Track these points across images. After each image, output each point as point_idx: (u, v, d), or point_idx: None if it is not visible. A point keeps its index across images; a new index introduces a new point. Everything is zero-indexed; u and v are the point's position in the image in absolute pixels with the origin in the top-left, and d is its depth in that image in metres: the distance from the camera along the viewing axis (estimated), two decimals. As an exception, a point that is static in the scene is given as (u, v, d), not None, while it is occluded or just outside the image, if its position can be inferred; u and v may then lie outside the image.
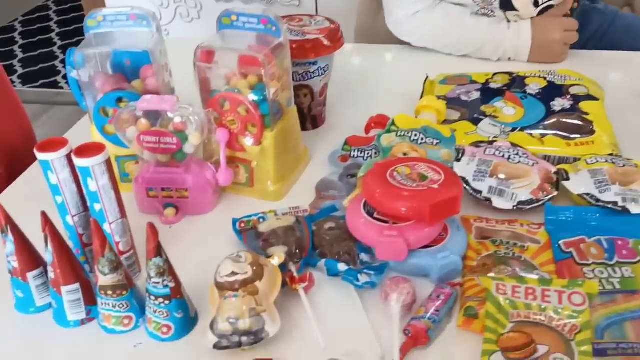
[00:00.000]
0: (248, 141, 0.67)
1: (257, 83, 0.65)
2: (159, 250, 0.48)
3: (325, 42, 0.75)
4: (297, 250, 0.59)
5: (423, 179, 0.58)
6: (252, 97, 0.65)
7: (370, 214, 0.58)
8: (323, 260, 0.58)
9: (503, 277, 0.52)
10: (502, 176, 0.65)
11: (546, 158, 0.70)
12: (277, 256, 0.55)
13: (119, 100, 0.67)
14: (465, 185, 0.65)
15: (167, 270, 0.49)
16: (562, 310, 0.48)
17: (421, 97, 0.84)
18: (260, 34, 0.66)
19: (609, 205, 0.61)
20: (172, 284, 0.50)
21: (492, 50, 0.99)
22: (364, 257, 0.59)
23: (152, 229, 0.47)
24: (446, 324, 0.52)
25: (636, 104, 0.85)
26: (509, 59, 0.99)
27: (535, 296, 0.49)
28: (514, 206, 0.63)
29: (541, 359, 0.45)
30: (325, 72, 0.79)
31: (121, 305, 0.51)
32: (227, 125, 0.66)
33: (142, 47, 0.65)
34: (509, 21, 0.98)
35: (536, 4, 0.99)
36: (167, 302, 0.50)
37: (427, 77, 0.89)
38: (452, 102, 0.81)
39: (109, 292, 0.51)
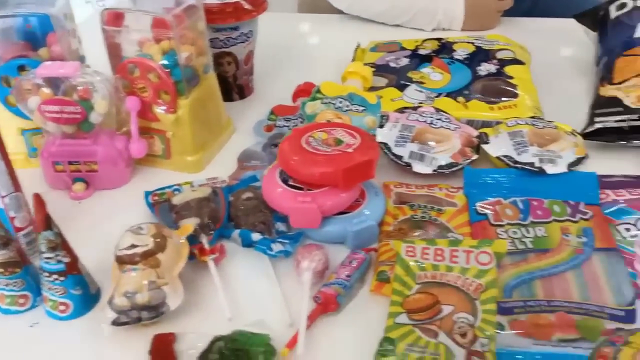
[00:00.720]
0: (161, 110, 0.64)
1: (171, 49, 0.62)
2: (48, 223, 0.45)
3: (246, 6, 0.72)
4: (210, 222, 0.56)
5: (339, 144, 0.56)
6: (164, 62, 0.62)
7: (286, 182, 0.57)
8: (237, 231, 0.56)
9: (414, 240, 0.51)
10: (423, 141, 0.64)
11: (470, 122, 0.70)
12: (185, 228, 0.53)
13: (21, 68, 0.63)
14: (386, 151, 0.64)
15: (60, 245, 0.46)
16: (468, 270, 0.48)
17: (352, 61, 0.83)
18: (173, -3, 0.63)
19: (526, 167, 0.61)
20: (66, 259, 0.47)
21: (426, 19, 0.98)
22: (280, 226, 0.57)
23: (38, 200, 0.44)
24: (359, 289, 0.51)
25: (564, 69, 0.85)
26: (444, 29, 0.98)
27: (443, 257, 0.49)
28: (433, 170, 0.62)
29: (445, 319, 0.44)
30: (248, 38, 0.76)
31: (15, 284, 0.48)
32: (138, 92, 0.63)
33: (43, 11, 0.61)
34: None
35: None
36: (62, 278, 0.47)
37: (359, 44, 0.88)
38: (381, 69, 0.79)
39: (0, 270, 0.48)
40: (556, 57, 0.88)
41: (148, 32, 0.64)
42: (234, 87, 0.80)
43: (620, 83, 0.66)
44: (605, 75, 0.69)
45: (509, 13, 1.03)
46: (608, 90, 0.67)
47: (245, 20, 0.73)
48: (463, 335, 0.43)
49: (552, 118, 0.69)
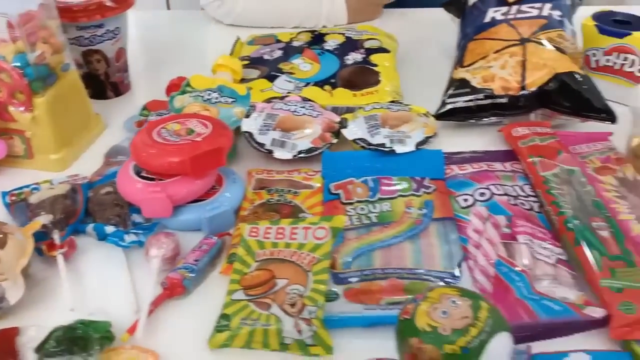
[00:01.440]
0: (17, 110, 0.63)
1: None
2: None
3: (109, 3, 0.72)
4: (63, 217, 0.57)
5: (190, 134, 0.58)
6: (16, 62, 0.62)
7: (139, 174, 0.58)
8: (92, 225, 0.57)
9: (258, 221, 0.53)
10: (285, 128, 0.66)
11: (335, 109, 0.72)
12: (32, 225, 0.53)
13: None
14: (249, 140, 0.66)
15: None
16: (305, 245, 0.50)
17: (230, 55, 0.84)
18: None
19: (379, 147, 0.64)
20: None
21: (312, 22, 1.00)
22: (136, 218, 0.58)
23: None
24: (209, 273, 0.53)
25: (432, 55, 0.89)
26: (334, 25, 1.01)
27: (284, 235, 0.51)
28: (294, 155, 0.65)
29: (279, 292, 0.47)
30: (116, 35, 0.76)
31: None
32: (-9, 93, 0.62)
33: None
34: None
35: None
36: None
37: (238, 38, 0.89)
38: (255, 62, 0.81)
39: None
40: (427, 44, 0.92)
41: (4, 33, 0.63)
42: (108, 85, 0.80)
43: (469, 65, 0.71)
44: (459, 58, 0.74)
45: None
46: (459, 73, 0.71)
47: (110, 17, 0.73)
48: (293, 305, 0.46)
49: (415, 102, 0.73)
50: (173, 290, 0.50)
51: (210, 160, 0.56)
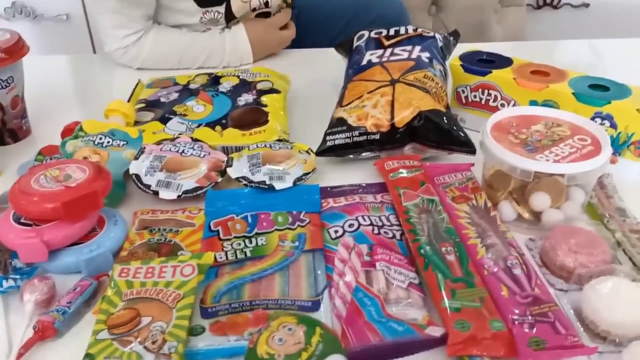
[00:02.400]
0: None
1: None
2: None
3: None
4: (-59, 266, 0.58)
5: (67, 179, 0.60)
6: None
7: (19, 220, 0.59)
8: (-29, 272, 0.58)
9: (129, 262, 0.56)
10: (171, 169, 0.70)
11: (225, 149, 0.76)
12: None
13: None
14: (136, 182, 0.69)
15: None
16: (172, 283, 0.53)
17: (129, 99, 0.87)
18: None
19: (259, 185, 0.68)
20: None
21: (217, 61, 1.05)
22: (17, 263, 0.60)
23: None
24: (84, 314, 0.55)
25: (324, 94, 0.94)
26: (240, 64, 1.06)
27: (153, 274, 0.54)
28: (178, 195, 0.68)
29: (143, 329, 0.49)
30: (9, 84, 0.78)
31: None
32: None
33: None
34: (223, 31, 1.05)
35: (253, 10, 1.07)
36: None
37: (139, 81, 0.93)
38: (151, 104, 0.85)
39: None
40: (320, 83, 0.98)
41: None
42: (5, 132, 0.81)
43: (347, 105, 0.77)
44: (340, 98, 0.79)
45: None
46: (338, 112, 0.77)
47: (1, 68, 0.75)
48: (154, 342, 0.48)
49: (303, 139, 0.78)
50: (44, 333, 0.52)
51: (85, 204, 0.59)
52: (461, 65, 0.80)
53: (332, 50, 0.97)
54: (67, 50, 1.71)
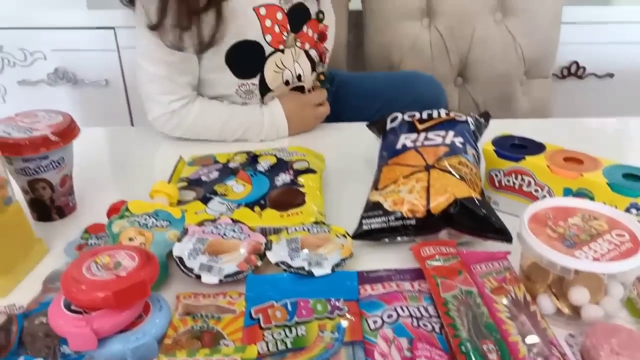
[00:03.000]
0: (-43, 244, 0.67)
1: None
2: None
3: (53, 138, 0.79)
4: (-7, 351, 0.60)
5: (117, 267, 0.63)
6: (-42, 201, 0.67)
7: (69, 307, 0.61)
8: (22, 358, 0.60)
9: (176, 352, 0.57)
10: (213, 252, 0.72)
11: (263, 230, 0.79)
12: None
13: None
14: (179, 264, 0.71)
15: None
16: (217, 378, 0.54)
17: (170, 177, 0.90)
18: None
19: (298, 271, 0.70)
20: None
21: (255, 134, 1.09)
22: (66, 349, 0.61)
23: None
24: (129, 405, 0.56)
25: (359, 172, 0.97)
26: (277, 137, 1.10)
27: (198, 367, 0.55)
28: (220, 280, 0.70)
29: None
30: (60, 164, 0.82)
31: None
32: None
33: None
34: (261, 107, 1.10)
35: (286, 83, 1.12)
36: None
37: (180, 158, 0.96)
38: (193, 183, 0.88)
39: None
40: (355, 159, 1.00)
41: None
42: (53, 209, 0.85)
43: (382, 189, 0.79)
44: (375, 181, 0.82)
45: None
46: (374, 196, 0.79)
47: (54, 150, 0.79)
48: None
49: (336, 219, 0.80)
50: None
51: (135, 293, 0.61)
52: (494, 150, 0.82)
53: (365, 125, 1.00)
54: (104, 113, 1.79)
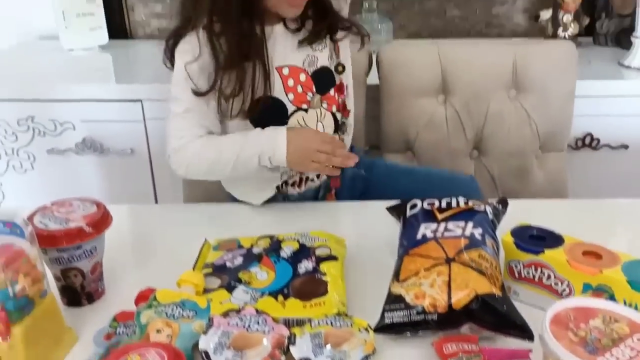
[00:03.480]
0: (-6, 338, 0.70)
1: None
2: None
3: (87, 229, 0.82)
4: None
5: (149, 367, 0.64)
6: (-3, 296, 0.69)
7: (100, 406, 0.63)
8: None
9: None
10: (237, 347, 0.73)
11: (286, 321, 0.80)
12: None
13: None
14: (205, 359, 0.73)
15: None
16: None
17: (195, 262, 0.93)
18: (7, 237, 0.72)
19: (322, 367, 0.71)
20: None
21: (250, 154, 1.07)
22: None
23: None
24: None
25: (382, 256, 0.99)
26: (270, 162, 1.07)
27: None
28: (245, 376, 0.71)
29: None
30: (92, 253, 0.85)
31: None
32: (-30, 326, 0.69)
33: None
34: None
35: None
36: None
37: (205, 241, 0.99)
38: (218, 270, 0.90)
39: None
40: (374, 242, 1.02)
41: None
42: (82, 295, 0.87)
43: (404, 281, 0.80)
44: (396, 272, 0.83)
45: (344, 196, 1.20)
46: (396, 287, 0.80)
47: (88, 240, 0.83)
48: None
49: (357, 308, 0.81)
50: None
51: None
52: (514, 242, 0.84)
53: (385, 204, 1.01)
54: (129, 180, 1.84)
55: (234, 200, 1.24)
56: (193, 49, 1.08)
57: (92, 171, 1.83)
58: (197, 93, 1.08)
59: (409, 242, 0.87)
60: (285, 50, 1.12)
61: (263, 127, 1.10)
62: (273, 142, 1.06)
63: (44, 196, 1.95)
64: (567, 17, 1.92)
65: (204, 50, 1.07)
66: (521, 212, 0.95)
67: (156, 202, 1.90)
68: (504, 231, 0.88)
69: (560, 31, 1.93)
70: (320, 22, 1.14)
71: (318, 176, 1.21)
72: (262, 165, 1.08)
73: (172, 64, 1.13)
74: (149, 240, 1.10)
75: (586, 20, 1.97)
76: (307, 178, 1.20)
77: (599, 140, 1.69)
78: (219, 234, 1.02)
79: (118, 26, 2.21)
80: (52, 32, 2.12)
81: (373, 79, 1.59)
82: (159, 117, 1.74)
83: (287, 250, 0.93)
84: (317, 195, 1.24)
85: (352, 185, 1.26)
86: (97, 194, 1.87)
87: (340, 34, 1.17)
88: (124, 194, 1.86)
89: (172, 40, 1.13)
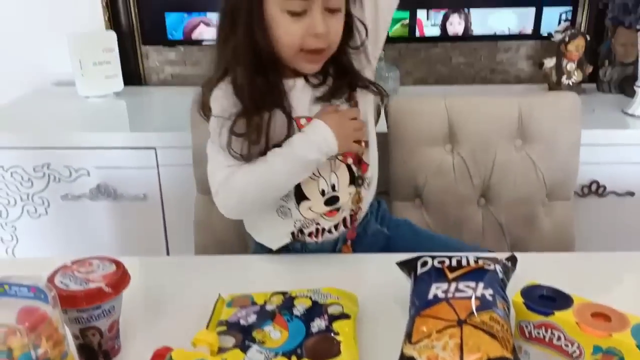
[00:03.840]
0: (16, 402, 0.71)
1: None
2: None
3: (107, 290, 0.84)
4: None
5: None
6: (20, 360, 0.71)
7: None
8: None
9: None
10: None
11: (301, 382, 0.81)
12: None
13: None
14: None
15: None
16: None
17: (210, 319, 0.95)
18: (31, 301, 0.74)
19: None
20: None
21: (304, 160, 1.11)
22: None
23: None
24: None
25: (390, 309, 1.00)
26: (326, 153, 1.12)
27: None
28: None
29: None
30: (110, 312, 0.87)
31: None
32: (-6, 390, 0.71)
33: None
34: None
35: (322, 193, 1.17)
36: None
37: (219, 297, 1.01)
38: (232, 328, 0.92)
39: None
40: (384, 297, 1.04)
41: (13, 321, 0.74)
42: (99, 353, 0.89)
43: (416, 343, 0.81)
44: (409, 333, 0.84)
45: (363, 251, 1.22)
46: (408, 349, 0.81)
47: (106, 301, 0.85)
48: None
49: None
50: None
51: None
52: (524, 303, 0.85)
53: (395, 257, 1.03)
54: (141, 224, 1.87)
55: (246, 246, 1.26)
56: (226, 97, 1.13)
57: (105, 216, 1.87)
58: (234, 133, 1.11)
59: (420, 303, 0.88)
60: (305, 103, 1.17)
61: None
62: (320, 136, 1.11)
63: (57, 240, 1.99)
64: (570, 65, 1.97)
65: (233, 97, 1.12)
66: (530, 266, 0.97)
67: (167, 245, 1.93)
68: (513, 288, 0.89)
69: (564, 79, 1.98)
70: (340, 79, 1.19)
71: (336, 227, 1.23)
72: (315, 159, 1.11)
73: (205, 113, 1.18)
74: (162, 294, 1.11)
75: (589, 69, 2.02)
76: (323, 229, 1.23)
77: (605, 188, 1.71)
78: (233, 287, 1.04)
79: (132, 72, 2.28)
80: (67, 78, 2.19)
81: (382, 126, 1.63)
82: (172, 163, 1.79)
83: (300, 308, 0.94)
84: (335, 246, 1.26)
85: (374, 242, 1.28)
86: (109, 238, 1.91)
87: (359, 92, 1.21)
88: (135, 238, 1.89)
89: (207, 88, 1.17)
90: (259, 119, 1.11)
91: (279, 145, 1.13)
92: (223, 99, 1.14)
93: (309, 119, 1.16)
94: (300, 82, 1.18)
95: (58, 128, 1.89)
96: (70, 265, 0.90)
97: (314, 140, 1.11)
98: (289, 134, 1.13)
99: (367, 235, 1.27)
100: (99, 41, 2.09)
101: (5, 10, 2.22)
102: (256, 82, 1.11)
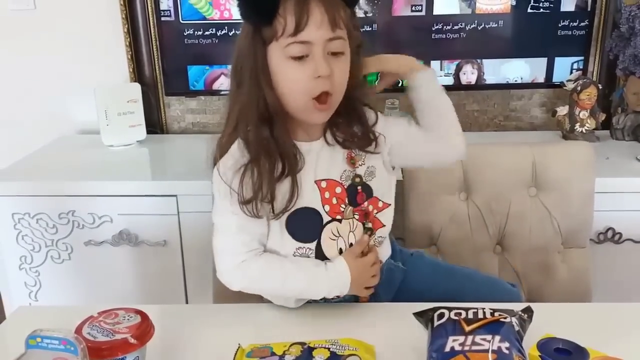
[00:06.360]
0: None
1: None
2: None
3: (132, 341, 0.87)
4: None
5: None
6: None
7: None
8: None
9: None
10: None
11: None
12: None
13: None
14: None
15: None
16: None
17: (230, 370, 0.97)
18: (61, 353, 0.77)
19: None
20: None
21: (315, 291, 1.15)
22: None
23: None
24: None
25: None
26: (340, 293, 1.16)
27: None
28: None
29: None
30: (135, 362, 0.90)
31: None
32: None
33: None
34: (325, 263, 1.17)
35: (340, 252, 1.19)
36: None
37: (239, 347, 1.03)
38: (251, 380, 0.94)
39: None
40: (406, 348, 1.05)
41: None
42: (123, 401, 0.91)
43: (434, 396, 0.83)
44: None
45: (381, 288, 1.24)
46: (426, 402, 0.82)
47: (131, 352, 0.88)
48: None
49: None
50: None
51: None
52: (540, 356, 0.86)
53: (411, 308, 1.04)
54: (160, 269, 1.91)
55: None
56: (240, 149, 1.14)
57: (126, 261, 1.91)
58: (244, 201, 1.12)
59: (437, 355, 0.89)
60: (326, 165, 1.19)
61: (298, 234, 1.15)
62: (340, 281, 1.15)
63: (79, 285, 2.02)
64: (583, 114, 2.00)
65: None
66: (546, 316, 0.98)
67: (185, 290, 1.95)
68: (530, 340, 0.90)
69: (577, 126, 2.01)
70: (350, 126, 1.20)
71: None
72: (324, 295, 1.17)
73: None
74: (182, 343, 1.13)
75: (602, 116, 2.04)
76: None
77: (621, 235, 1.71)
78: (251, 336, 1.06)
79: (154, 121, 2.36)
80: (91, 127, 2.28)
81: (397, 174, 1.67)
82: (193, 210, 1.83)
83: (318, 359, 0.96)
84: (357, 296, 1.26)
85: (391, 277, 1.29)
86: (129, 283, 1.94)
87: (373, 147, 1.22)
88: (155, 283, 1.92)
89: (217, 146, 1.18)
90: (268, 169, 1.11)
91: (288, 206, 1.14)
92: (237, 150, 1.14)
93: (329, 181, 1.18)
94: (317, 144, 1.19)
95: (83, 176, 1.95)
96: (97, 316, 0.93)
97: (334, 284, 1.16)
98: (306, 197, 1.15)
99: (383, 272, 1.28)
100: (124, 93, 2.18)
101: (39, 64, 2.33)
102: (264, 137, 1.11)
